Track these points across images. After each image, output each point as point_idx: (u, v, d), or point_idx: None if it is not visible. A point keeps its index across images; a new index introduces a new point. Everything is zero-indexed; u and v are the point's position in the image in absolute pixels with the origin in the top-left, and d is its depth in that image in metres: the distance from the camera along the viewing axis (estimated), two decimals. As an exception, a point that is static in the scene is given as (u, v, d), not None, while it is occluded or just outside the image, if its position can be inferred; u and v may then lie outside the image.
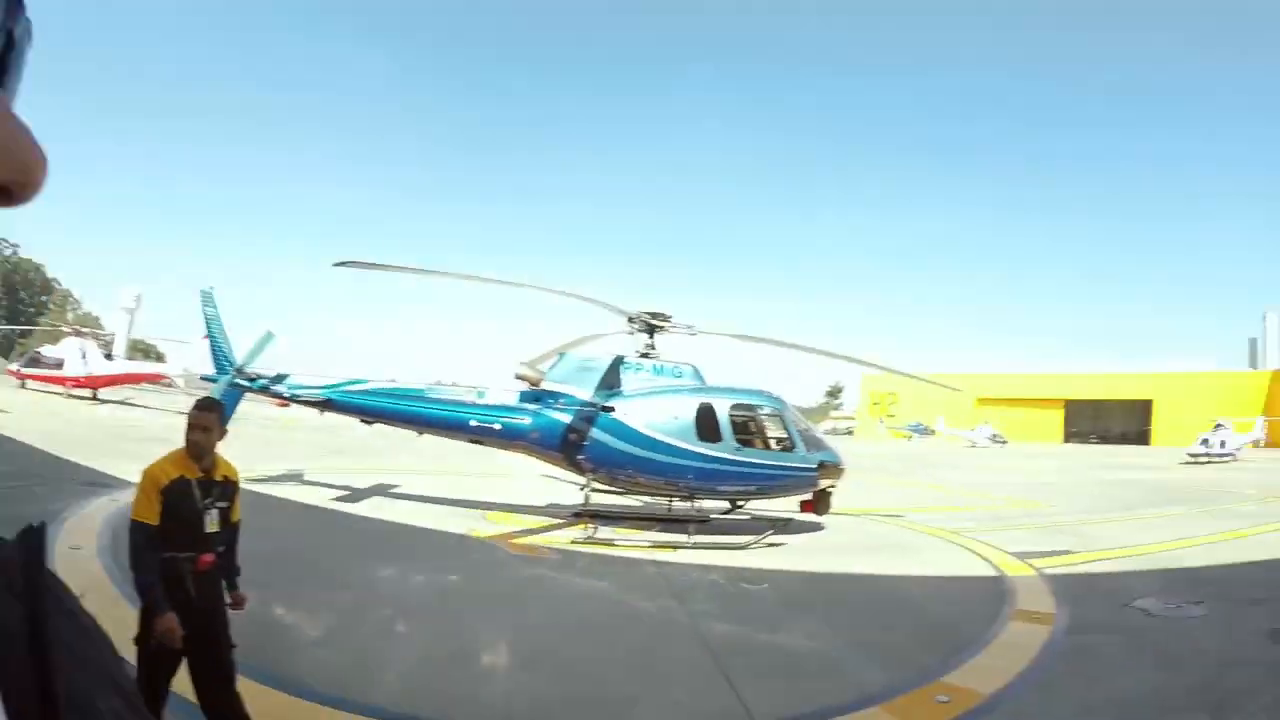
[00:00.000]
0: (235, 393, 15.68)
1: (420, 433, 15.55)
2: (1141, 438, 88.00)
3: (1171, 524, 19.12)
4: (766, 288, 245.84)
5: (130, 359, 50.87)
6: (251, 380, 15.90)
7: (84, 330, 44.24)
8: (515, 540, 13.90)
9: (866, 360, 17.28)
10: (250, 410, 18.95)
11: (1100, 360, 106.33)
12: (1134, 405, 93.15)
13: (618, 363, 14.95)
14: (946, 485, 30.56)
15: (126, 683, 1.00)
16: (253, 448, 22.17)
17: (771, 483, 14.75)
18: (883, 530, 17.38)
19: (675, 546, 13.63)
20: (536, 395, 14.76)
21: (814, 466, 14.82)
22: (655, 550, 13.41)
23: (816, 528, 16.37)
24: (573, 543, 13.72)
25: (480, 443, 15.28)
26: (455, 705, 6.44)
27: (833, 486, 15.47)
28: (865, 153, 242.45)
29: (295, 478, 18.79)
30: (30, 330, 70.13)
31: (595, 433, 14.27)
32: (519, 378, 14.72)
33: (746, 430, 14.83)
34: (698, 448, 14.15)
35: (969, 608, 10.58)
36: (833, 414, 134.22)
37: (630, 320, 15.21)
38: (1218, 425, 48.47)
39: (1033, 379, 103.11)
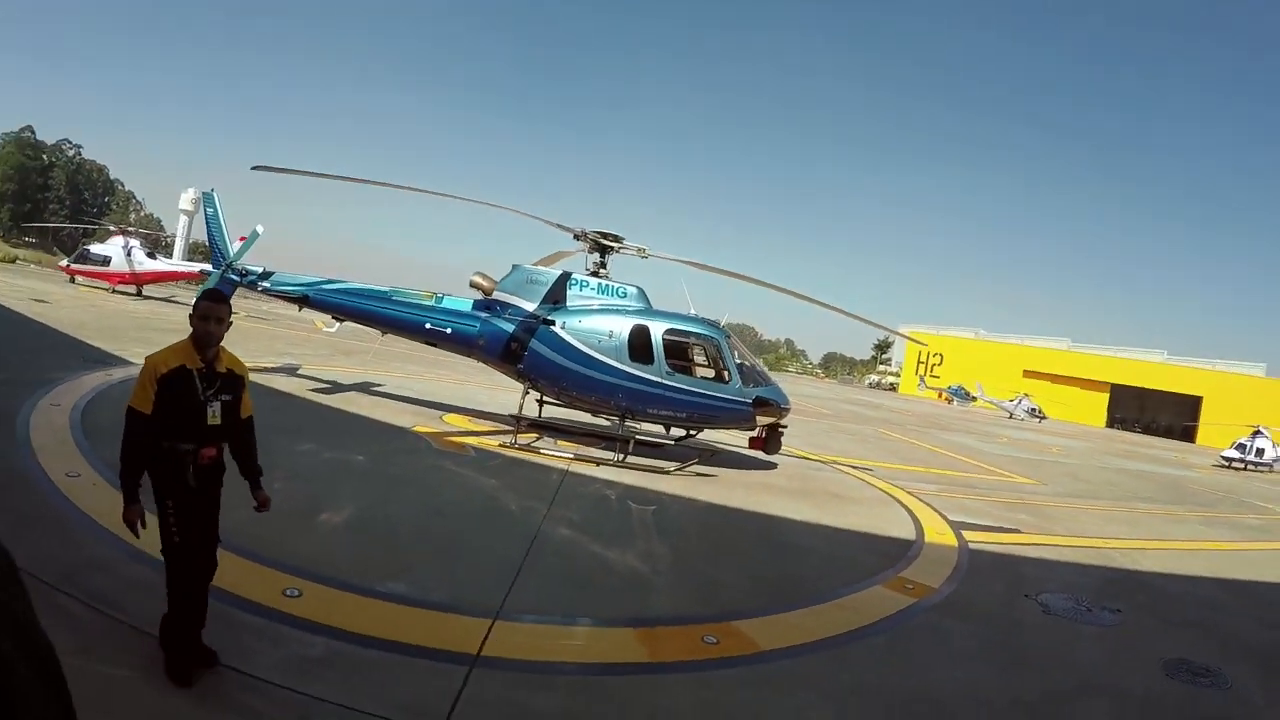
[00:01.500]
0: (227, 287, 15.89)
1: (383, 332, 15.88)
2: (1187, 433, 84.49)
3: (1157, 523, 17.64)
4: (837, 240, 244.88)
5: (190, 260, 51.80)
6: (241, 275, 16.22)
7: (129, 229, 45.11)
8: (450, 437, 14.04)
9: (824, 302, 16.20)
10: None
11: (1149, 350, 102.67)
12: (1183, 399, 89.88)
13: (565, 278, 14.82)
14: (948, 447, 29.44)
15: (31, 627, 1.09)
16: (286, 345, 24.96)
17: (701, 411, 14.33)
18: (834, 478, 16.48)
19: (599, 462, 13.56)
20: (488, 304, 14.95)
21: (748, 401, 14.27)
22: (576, 463, 13.30)
23: (766, 466, 15.99)
24: (500, 445, 13.80)
25: (434, 345, 15.56)
26: (266, 544, 6.79)
27: (783, 426, 14.99)
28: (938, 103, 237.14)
29: (290, 370, 19.29)
30: (93, 230, 71.09)
31: (535, 344, 14.33)
32: (473, 285, 15.06)
33: (680, 356, 14.67)
34: (629, 368, 14.04)
35: (847, 565, 9.73)
36: (879, 368, 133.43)
37: (577, 238, 15.15)
38: (1256, 432, 45.78)
39: (1082, 358, 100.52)
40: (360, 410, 15.29)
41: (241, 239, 17.15)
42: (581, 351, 14.05)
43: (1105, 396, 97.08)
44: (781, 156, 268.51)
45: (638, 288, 14.93)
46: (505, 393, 20.40)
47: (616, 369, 13.97)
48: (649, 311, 14.61)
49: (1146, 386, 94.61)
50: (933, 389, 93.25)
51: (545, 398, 15.13)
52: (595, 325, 14.20)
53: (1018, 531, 13.44)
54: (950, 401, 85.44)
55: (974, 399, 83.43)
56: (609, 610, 6.98)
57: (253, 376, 5.12)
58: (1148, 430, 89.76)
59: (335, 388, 17.59)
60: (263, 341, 25.47)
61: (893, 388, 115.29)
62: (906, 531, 12.06)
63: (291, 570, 6.50)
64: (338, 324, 16.32)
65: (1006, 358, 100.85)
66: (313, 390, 16.75)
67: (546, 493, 10.90)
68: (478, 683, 5.28)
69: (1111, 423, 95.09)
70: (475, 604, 6.53)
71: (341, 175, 14.75)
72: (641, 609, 7.16)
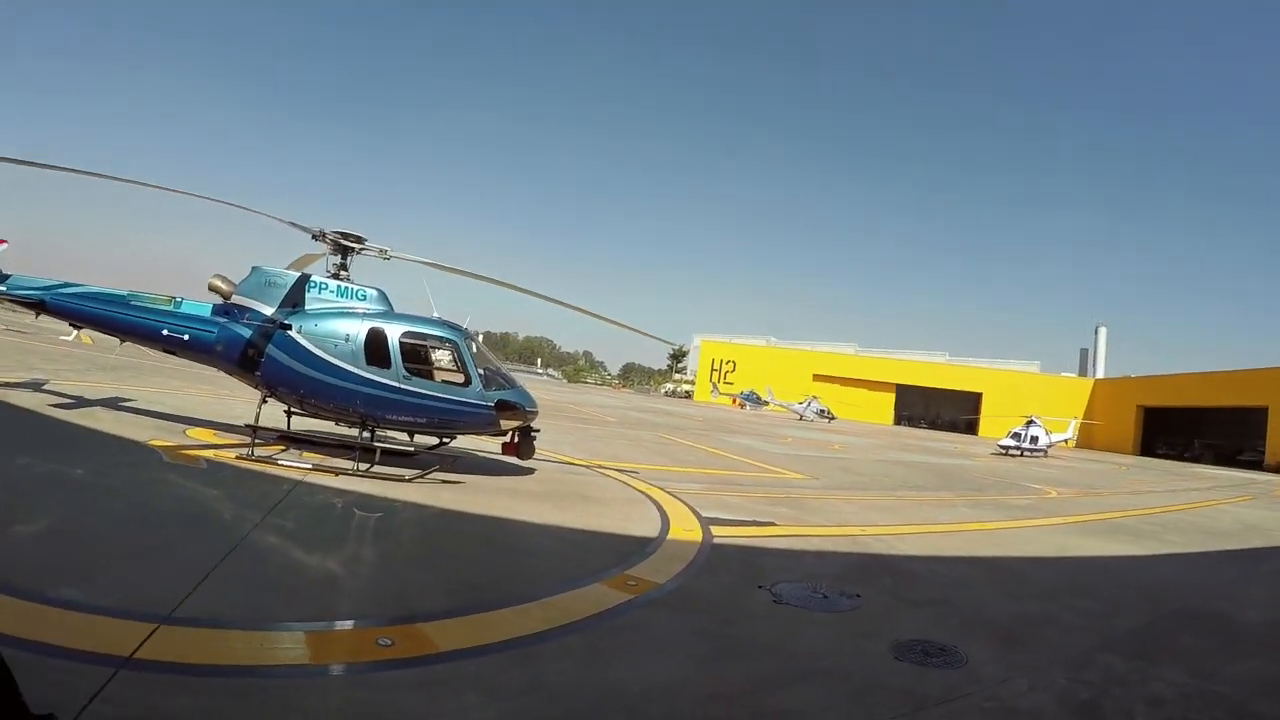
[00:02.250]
0: None
1: (121, 340, 15.06)
2: (970, 427, 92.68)
3: (924, 509, 18.39)
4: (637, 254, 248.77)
5: None
6: None
7: None
8: (185, 450, 13.52)
9: (568, 303, 16.41)
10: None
11: (932, 352, 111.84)
12: (965, 396, 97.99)
13: (304, 280, 14.52)
14: (730, 449, 30.07)
15: None
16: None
17: (441, 416, 14.22)
18: (591, 481, 16.30)
19: (339, 473, 13.21)
20: (227, 308, 14.51)
21: (490, 405, 14.23)
22: (314, 473, 12.99)
23: (522, 471, 15.79)
24: (237, 458, 13.35)
25: (173, 353, 14.97)
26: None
27: (535, 430, 15.02)
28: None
29: (35, 385, 18.40)
30: None
31: (271, 350, 13.98)
32: (211, 289, 14.61)
33: (418, 359, 14.42)
34: (365, 373, 13.86)
35: (571, 565, 9.42)
36: (675, 377, 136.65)
37: (315, 238, 14.79)
38: (1029, 421, 49.74)
39: (868, 361, 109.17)
40: (98, 425, 14.69)
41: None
42: (317, 356, 13.76)
43: (892, 396, 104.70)
44: (576, 172, 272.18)
45: (379, 290, 14.75)
46: (266, 407, 19.65)
47: (353, 374, 13.75)
48: (387, 314, 14.44)
49: (931, 385, 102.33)
50: (726, 395, 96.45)
51: (291, 408, 14.85)
52: (332, 328, 13.94)
53: (772, 524, 13.53)
54: (743, 406, 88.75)
55: (766, 403, 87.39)
56: (287, 614, 6.70)
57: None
58: (933, 425, 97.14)
59: (80, 403, 16.77)
60: (13, 355, 24.42)
61: (688, 395, 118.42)
62: (649, 529, 11.88)
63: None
64: (75, 331, 16.02)
65: (797, 363, 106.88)
66: (53, 405, 15.94)
67: (269, 502, 10.48)
68: (120, 684, 5.02)
69: (899, 420, 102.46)
70: (146, 609, 6.22)
71: (86, 170, 13.78)
72: (322, 612, 6.88)
